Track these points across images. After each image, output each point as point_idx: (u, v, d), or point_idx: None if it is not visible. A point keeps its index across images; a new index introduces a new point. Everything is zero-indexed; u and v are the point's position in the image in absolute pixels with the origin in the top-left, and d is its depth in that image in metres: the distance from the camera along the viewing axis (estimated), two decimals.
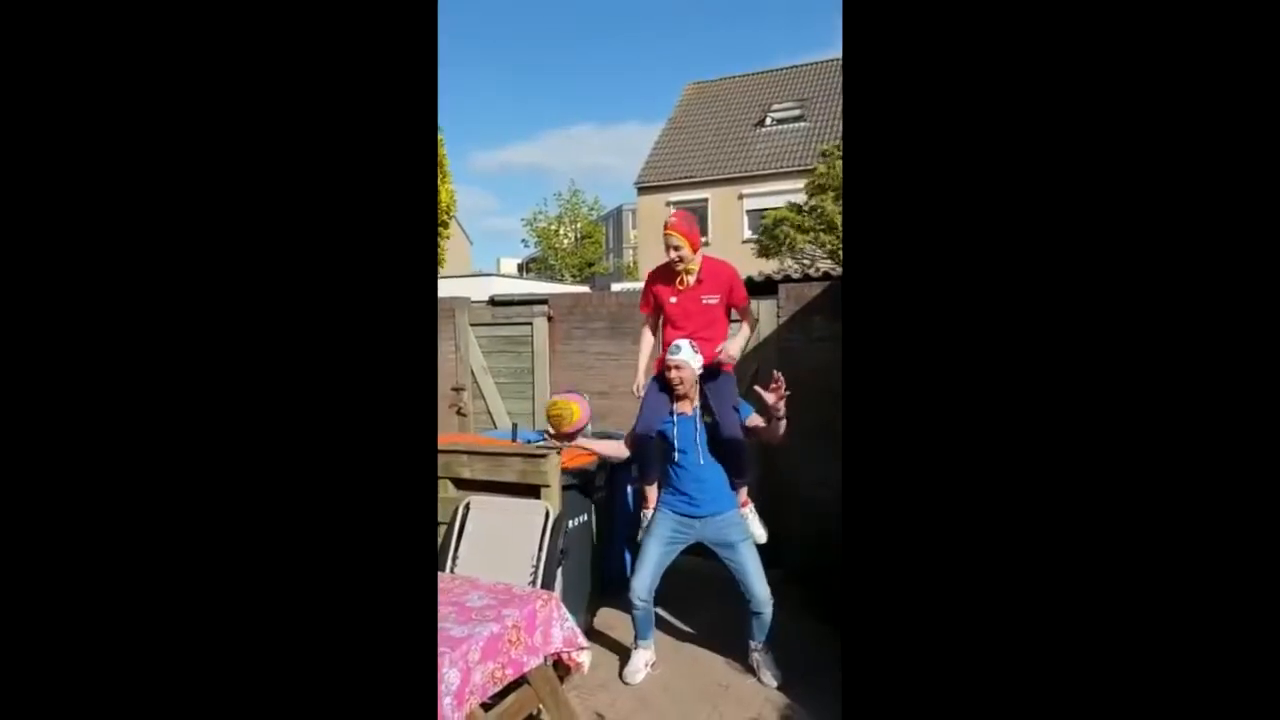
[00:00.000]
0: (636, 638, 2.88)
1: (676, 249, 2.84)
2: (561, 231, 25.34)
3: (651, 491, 3.02)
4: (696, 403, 2.83)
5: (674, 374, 2.76)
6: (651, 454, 2.93)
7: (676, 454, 2.80)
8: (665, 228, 2.87)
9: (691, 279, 2.90)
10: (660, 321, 3.10)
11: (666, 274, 2.98)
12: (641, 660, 2.85)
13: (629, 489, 3.65)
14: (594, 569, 3.30)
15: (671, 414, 2.84)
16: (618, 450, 3.04)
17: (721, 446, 2.79)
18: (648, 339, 3.15)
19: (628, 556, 3.74)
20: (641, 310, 3.16)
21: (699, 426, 2.79)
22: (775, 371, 2.60)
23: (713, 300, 2.91)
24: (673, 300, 2.95)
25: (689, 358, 2.76)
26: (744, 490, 2.92)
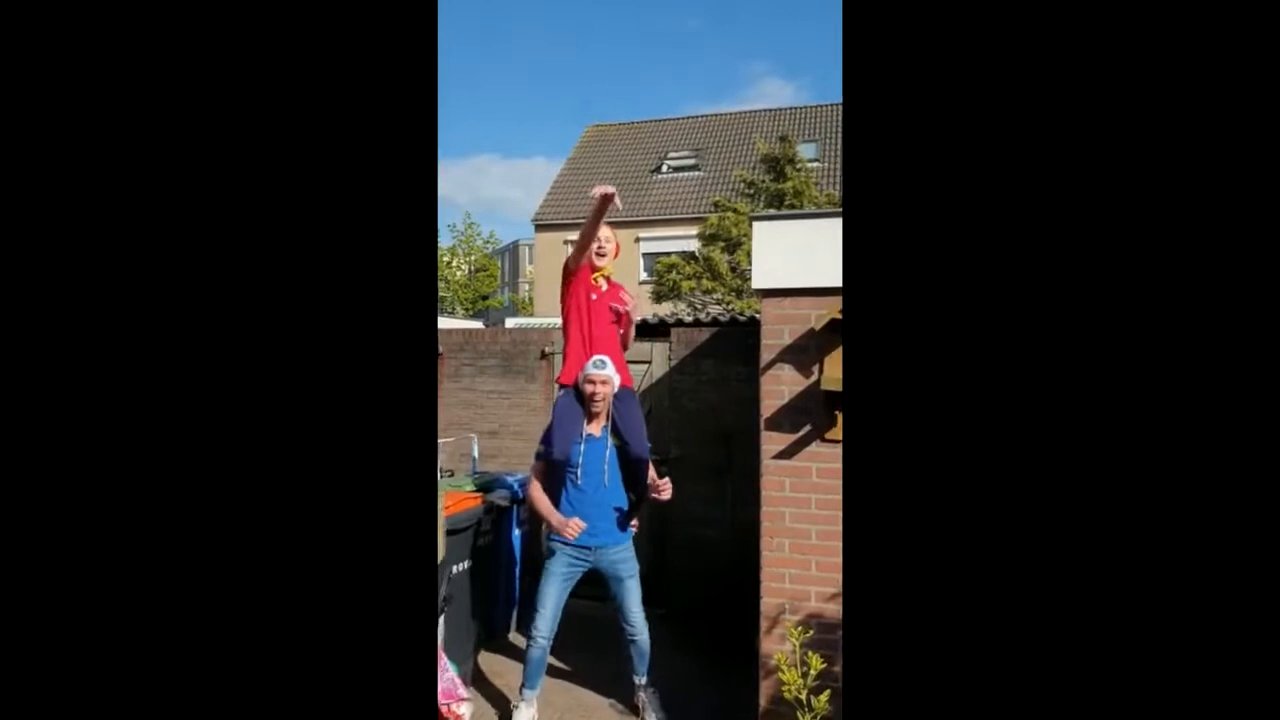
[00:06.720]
0: (523, 686, 2.76)
1: (604, 245, 2.95)
2: (455, 264, 24.88)
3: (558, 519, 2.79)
4: (605, 424, 2.78)
5: (597, 388, 2.69)
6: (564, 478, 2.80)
7: (580, 477, 2.71)
8: (603, 246, 2.98)
9: (604, 285, 2.98)
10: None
11: (587, 274, 3.01)
12: (525, 717, 2.74)
13: (516, 533, 3.59)
14: (478, 616, 3.21)
15: (581, 435, 2.75)
16: (540, 492, 2.83)
17: (631, 465, 2.76)
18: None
19: (516, 600, 3.66)
20: (565, 299, 3.04)
21: (609, 448, 2.75)
22: (661, 481, 2.76)
23: (615, 308, 2.97)
24: (594, 297, 2.93)
25: (613, 374, 2.72)
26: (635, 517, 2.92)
